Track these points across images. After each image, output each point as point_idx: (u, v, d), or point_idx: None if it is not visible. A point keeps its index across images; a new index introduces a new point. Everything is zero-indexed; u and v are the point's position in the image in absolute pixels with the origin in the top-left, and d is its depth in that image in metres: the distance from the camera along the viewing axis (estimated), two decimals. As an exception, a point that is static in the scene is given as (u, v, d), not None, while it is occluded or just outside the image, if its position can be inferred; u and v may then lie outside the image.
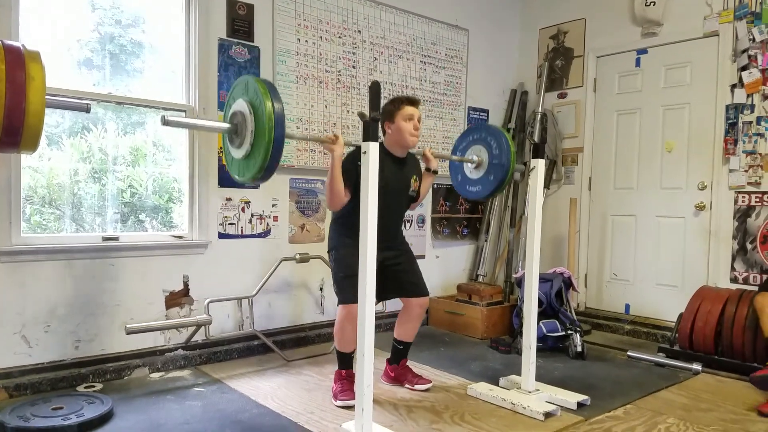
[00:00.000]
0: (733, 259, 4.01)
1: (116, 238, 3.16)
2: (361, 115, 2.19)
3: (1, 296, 2.81)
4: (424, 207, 4.66)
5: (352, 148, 2.72)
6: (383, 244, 2.64)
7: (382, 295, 2.99)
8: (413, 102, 2.84)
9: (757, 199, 3.90)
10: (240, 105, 2.21)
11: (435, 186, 4.71)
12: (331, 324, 3.88)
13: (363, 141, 2.17)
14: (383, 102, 2.83)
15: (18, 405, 2.57)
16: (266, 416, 2.64)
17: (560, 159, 5.00)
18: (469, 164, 3.11)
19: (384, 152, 2.76)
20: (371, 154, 2.15)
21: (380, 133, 2.76)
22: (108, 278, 3.12)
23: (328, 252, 2.95)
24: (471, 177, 3.14)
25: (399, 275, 2.95)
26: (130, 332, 2.98)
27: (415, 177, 2.98)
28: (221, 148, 3.47)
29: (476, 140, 3.11)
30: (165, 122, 2.10)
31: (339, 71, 4.01)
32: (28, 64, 2.25)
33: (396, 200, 2.88)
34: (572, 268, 4.71)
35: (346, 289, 2.71)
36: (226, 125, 2.28)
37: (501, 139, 2.98)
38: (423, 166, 3.10)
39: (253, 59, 3.60)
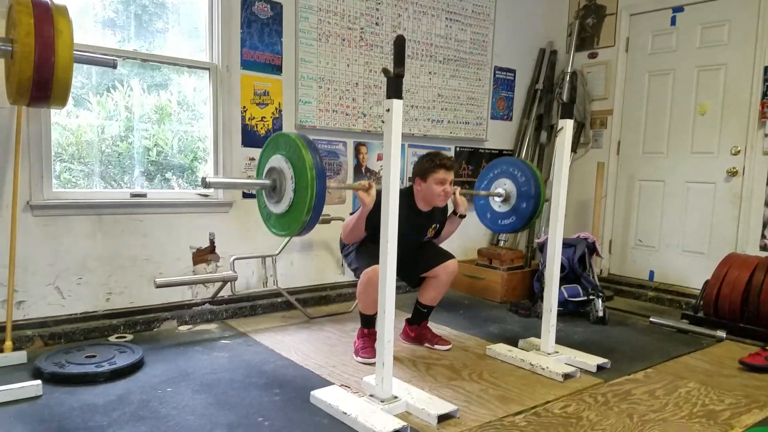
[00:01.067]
0: (765, 226, 3.92)
1: (144, 195, 3.23)
2: (386, 72, 2.15)
3: (35, 248, 2.91)
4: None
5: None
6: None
7: (411, 279, 3.08)
8: (448, 168, 2.83)
9: (793, 165, 3.79)
10: (277, 160, 2.23)
11: (458, 149, 4.66)
12: (351, 284, 3.95)
13: (386, 98, 2.14)
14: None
15: (53, 353, 2.69)
16: (289, 367, 2.72)
17: (588, 122, 4.90)
18: (497, 198, 3.13)
19: (408, 203, 2.83)
20: (395, 111, 2.13)
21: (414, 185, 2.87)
22: (137, 233, 3.20)
23: (344, 255, 3.02)
24: (500, 211, 3.15)
25: (419, 258, 3.00)
26: (159, 286, 3.07)
27: (434, 225, 3.02)
28: (244, 107, 3.49)
29: (499, 174, 3.14)
30: (206, 185, 2.16)
31: (362, 28, 3.95)
32: (56, 18, 2.27)
33: (408, 245, 2.79)
34: (597, 233, 4.66)
35: (363, 257, 2.78)
36: (267, 182, 2.29)
37: (525, 169, 3.04)
38: (450, 209, 3.09)
39: (275, 15, 3.57)
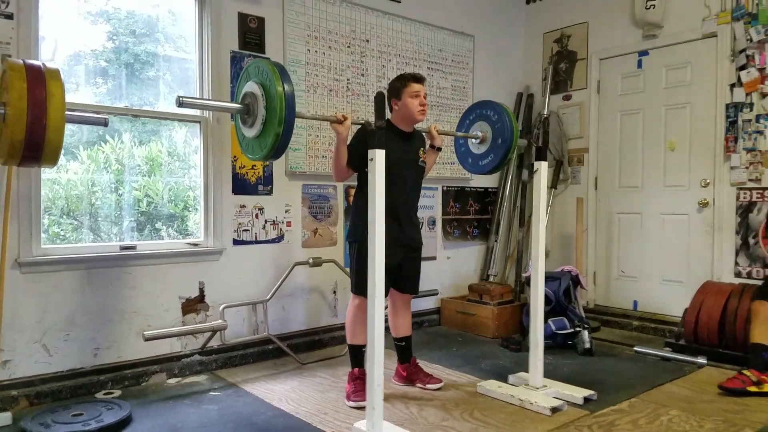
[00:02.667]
0: (737, 254, 4.06)
1: (134, 247, 3.27)
2: (368, 124, 2.28)
3: (23, 306, 2.91)
4: (435, 209, 4.75)
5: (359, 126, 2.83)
6: (406, 216, 2.93)
7: (387, 284, 3.09)
8: (419, 79, 2.97)
9: (759, 195, 3.96)
10: (251, 86, 2.30)
11: (445, 188, 4.79)
12: (343, 326, 3.96)
13: (369, 148, 2.26)
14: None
15: (38, 413, 2.66)
16: (280, 418, 2.73)
17: (566, 159, 5.07)
18: (474, 140, 3.21)
19: (391, 128, 2.91)
20: (377, 161, 2.24)
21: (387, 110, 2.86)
22: (126, 286, 3.23)
23: (350, 242, 3.04)
24: (479, 153, 3.22)
25: (406, 271, 3.07)
26: (148, 339, 3.08)
27: (422, 149, 3.11)
28: (235, 156, 3.59)
29: (477, 118, 3.21)
30: (180, 103, 2.19)
31: (348, 79, 4.12)
32: (48, 82, 2.36)
33: (408, 172, 2.99)
34: (580, 266, 4.77)
35: (365, 283, 2.82)
36: (237, 106, 2.37)
37: (497, 108, 3.10)
38: (428, 143, 3.20)
39: (262, 70, 3.71)
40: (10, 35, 2.85)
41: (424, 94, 2.96)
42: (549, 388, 2.97)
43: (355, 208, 3.04)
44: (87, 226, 3.27)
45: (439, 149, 3.21)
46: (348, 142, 2.81)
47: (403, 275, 3.06)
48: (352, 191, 4.16)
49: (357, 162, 2.82)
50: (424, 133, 3.16)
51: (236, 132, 2.51)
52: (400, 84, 2.95)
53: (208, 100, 3.46)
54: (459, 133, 3.23)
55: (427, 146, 3.18)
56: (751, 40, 3.96)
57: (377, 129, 2.23)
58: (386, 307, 3.16)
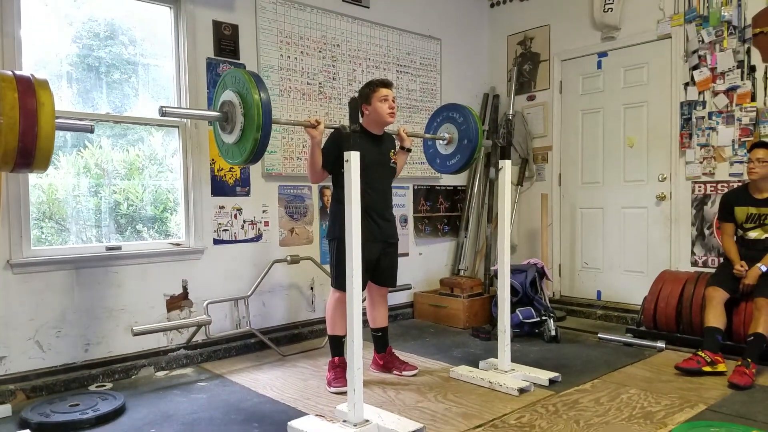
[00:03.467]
0: (693, 244, 4.34)
1: (119, 248, 3.39)
2: (342, 128, 2.45)
3: (16, 305, 3.03)
4: (406, 207, 4.94)
5: (332, 130, 3.02)
6: (380, 215, 3.09)
7: (365, 277, 3.25)
8: (387, 84, 3.14)
9: (712, 188, 4.24)
10: (229, 95, 2.44)
11: (416, 187, 4.99)
12: (322, 321, 4.15)
13: (344, 150, 2.43)
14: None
15: (37, 404, 2.80)
16: (266, 403, 2.90)
17: (531, 157, 5.31)
18: (441, 141, 3.38)
19: (363, 132, 3.06)
20: (353, 162, 2.42)
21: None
22: (112, 285, 3.35)
23: (329, 240, 3.19)
24: (446, 153, 3.40)
25: (382, 266, 3.23)
26: (136, 334, 3.21)
27: (393, 151, 3.27)
28: (213, 159, 3.73)
29: (444, 120, 3.39)
30: (162, 113, 2.33)
31: (320, 83, 4.28)
32: (38, 92, 2.48)
33: (379, 173, 3.14)
34: (546, 259, 5.01)
35: (344, 277, 2.98)
36: (217, 114, 2.51)
37: (463, 110, 3.28)
38: (398, 145, 3.37)
39: (239, 75, 3.85)
40: (-7, 46, 2.94)
41: (393, 97, 3.13)
42: (517, 371, 3.18)
43: (333, 207, 3.20)
44: (69, 229, 3.37)
45: (409, 150, 3.38)
46: (322, 145, 2.97)
47: (381, 269, 3.23)
48: (327, 191, 4.35)
49: (332, 163, 2.99)
50: (394, 135, 3.33)
51: (215, 138, 2.65)
52: (370, 90, 3.11)
53: (189, 109, 3.59)
54: (427, 135, 3.41)
55: (397, 148, 3.35)
56: (702, 41, 4.23)
57: (352, 132, 2.41)
58: (364, 300, 3.34)
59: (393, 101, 3.12)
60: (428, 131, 3.47)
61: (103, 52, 3.47)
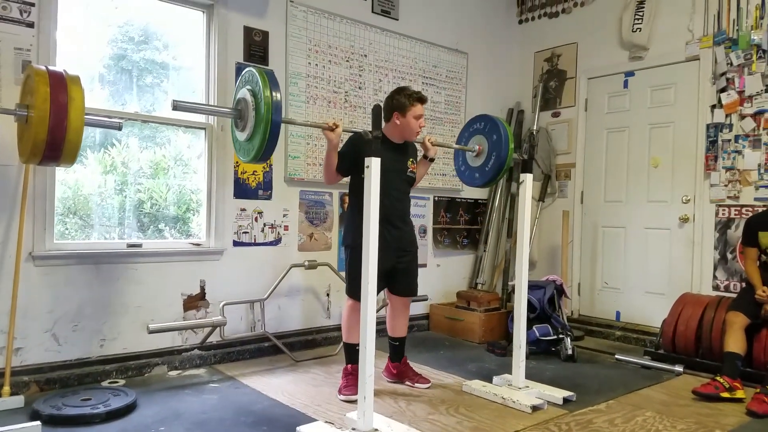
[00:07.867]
0: (715, 268, 4.25)
1: (140, 245, 3.43)
2: (365, 133, 2.46)
3: (36, 297, 3.08)
4: (426, 218, 4.93)
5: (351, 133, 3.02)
6: (394, 223, 3.04)
7: (380, 285, 3.20)
8: (423, 100, 3.11)
9: (737, 212, 4.15)
10: (244, 93, 2.47)
11: (436, 198, 4.98)
12: (337, 328, 4.14)
13: (365, 156, 2.44)
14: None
15: (49, 396, 2.83)
16: (277, 407, 2.89)
17: (554, 174, 5.27)
18: (470, 153, 3.32)
19: (383, 139, 2.99)
20: (374, 168, 2.42)
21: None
22: (131, 281, 3.39)
23: (345, 246, 3.16)
24: (472, 165, 3.33)
25: (399, 274, 3.20)
26: (152, 332, 3.24)
27: (411, 160, 3.24)
28: (237, 162, 3.76)
29: (477, 130, 3.32)
30: (174, 107, 2.34)
31: (346, 92, 4.31)
32: (69, 87, 2.54)
33: (394, 181, 3.09)
34: (565, 276, 4.95)
35: (358, 286, 2.97)
36: (229, 110, 2.54)
37: (500, 129, 3.16)
38: (420, 153, 3.33)
39: (266, 81, 3.90)
40: (30, 42, 3.03)
41: (423, 115, 3.12)
42: (531, 388, 3.13)
43: (347, 214, 3.20)
44: (92, 225, 3.43)
45: (432, 160, 3.35)
46: (339, 149, 2.97)
47: (398, 277, 3.21)
48: (348, 198, 4.34)
49: (347, 167, 2.99)
50: (417, 144, 3.32)
51: (232, 136, 2.68)
52: (408, 102, 3.03)
53: (202, 104, 3.61)
54: (454, 146, 3.37)
55: (419, 157, 3.33)
56: (731, 63, 4.18)
57: (374, 138, 2.41)
58: (379, 308, 3.33)
59: (423, 119, 3.11)
60: (460, 141, 3.41)
61: (137, 56, 3.55)
